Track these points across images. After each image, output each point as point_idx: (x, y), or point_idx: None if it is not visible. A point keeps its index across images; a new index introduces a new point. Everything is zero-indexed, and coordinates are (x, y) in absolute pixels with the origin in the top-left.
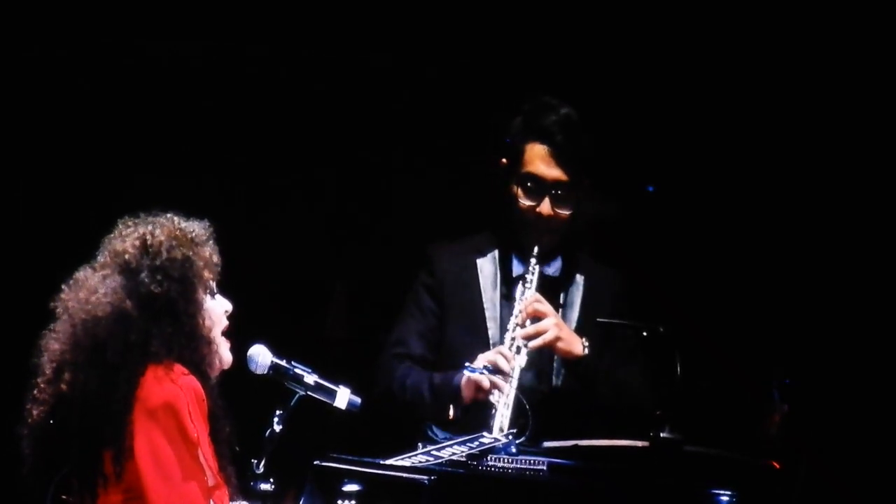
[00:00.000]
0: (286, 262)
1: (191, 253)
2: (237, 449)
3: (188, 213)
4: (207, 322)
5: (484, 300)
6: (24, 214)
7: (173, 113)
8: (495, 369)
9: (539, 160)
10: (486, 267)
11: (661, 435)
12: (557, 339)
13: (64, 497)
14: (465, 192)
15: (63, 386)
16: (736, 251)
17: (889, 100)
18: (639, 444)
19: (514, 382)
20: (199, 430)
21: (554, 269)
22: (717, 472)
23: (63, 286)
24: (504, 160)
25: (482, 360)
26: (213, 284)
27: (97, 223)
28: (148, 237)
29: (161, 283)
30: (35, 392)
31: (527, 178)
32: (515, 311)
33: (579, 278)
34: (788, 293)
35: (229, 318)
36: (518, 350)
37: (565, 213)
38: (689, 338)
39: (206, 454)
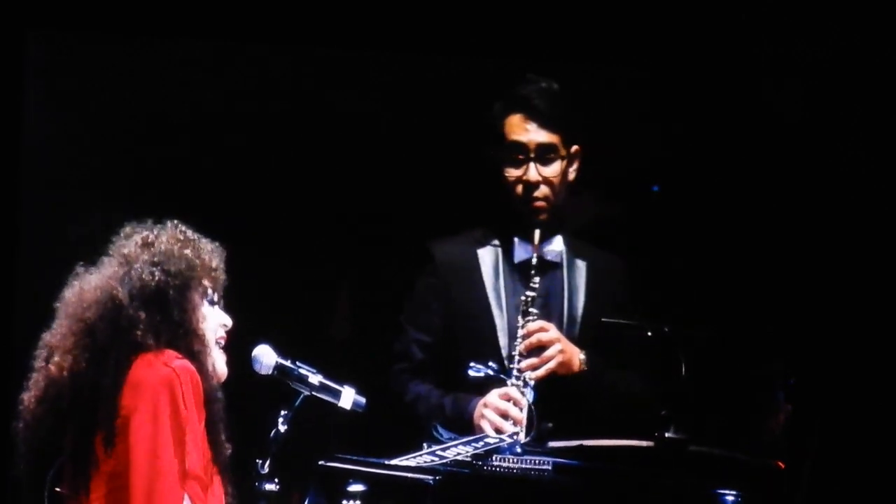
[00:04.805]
0: (290, 262)
1: (190, 254)
2: (228, 448)
3: (191, 212)
4: (201, 323)
5: (487, 289)
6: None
7: (173, 112)
8: (505, 417)
9: (517, 127)
10: (487, 256)
11: (666, 435)
12: (560, 364)
13: (57, 490)
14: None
15: (52, 368)
16: (740, 251)
17: (887, 99)
18: (644, 444)
19: (525, 418)
20: (191, 414)
21: (554, 253)
22: (722, 472)
23: (66, 288)
24: (492, 147)
25: (492, 406)
26: (214, 294)
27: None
28: (151, 236)
29: (153, 273)
30: (27, 381)
31: (508, 148)
32: (517, 339)
33: (581, 263)
34: (792, 293)
35: (228, 332)
36: (525, 384)
37: (552, 177)
38: (694, 338)
39: (197, 440)
